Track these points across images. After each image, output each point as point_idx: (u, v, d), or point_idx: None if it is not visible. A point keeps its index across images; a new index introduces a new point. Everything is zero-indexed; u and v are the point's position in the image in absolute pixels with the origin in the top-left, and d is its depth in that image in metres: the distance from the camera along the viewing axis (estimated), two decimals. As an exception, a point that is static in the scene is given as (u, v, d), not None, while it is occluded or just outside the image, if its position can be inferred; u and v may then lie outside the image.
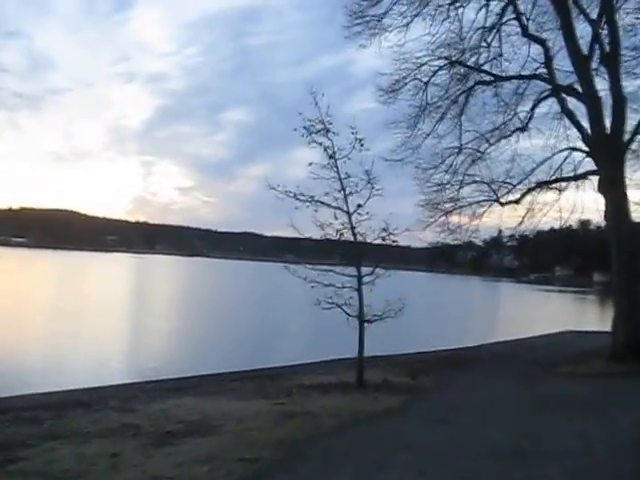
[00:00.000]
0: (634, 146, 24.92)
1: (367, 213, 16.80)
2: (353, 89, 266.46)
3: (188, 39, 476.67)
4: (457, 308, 68.76)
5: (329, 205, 16.77)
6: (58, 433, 11.01)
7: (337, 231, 16.87)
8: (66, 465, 8.70)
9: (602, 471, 8.75)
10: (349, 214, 16.83)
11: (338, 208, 16.82)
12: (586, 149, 25.14)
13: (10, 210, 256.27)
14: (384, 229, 16.73)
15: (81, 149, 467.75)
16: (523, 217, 27.40)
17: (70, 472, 8.37)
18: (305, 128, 16.57)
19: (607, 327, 28.75)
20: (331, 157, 16.60)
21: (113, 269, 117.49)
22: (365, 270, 17.10)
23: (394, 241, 17.07)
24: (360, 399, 14.95)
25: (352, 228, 16.85)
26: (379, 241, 17.20)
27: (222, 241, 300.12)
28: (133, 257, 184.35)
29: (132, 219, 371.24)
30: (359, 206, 16.76)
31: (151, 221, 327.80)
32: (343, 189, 16.72)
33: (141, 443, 10.16)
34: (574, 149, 26.07)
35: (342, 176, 16.71)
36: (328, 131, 16.55)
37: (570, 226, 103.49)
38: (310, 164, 16.77)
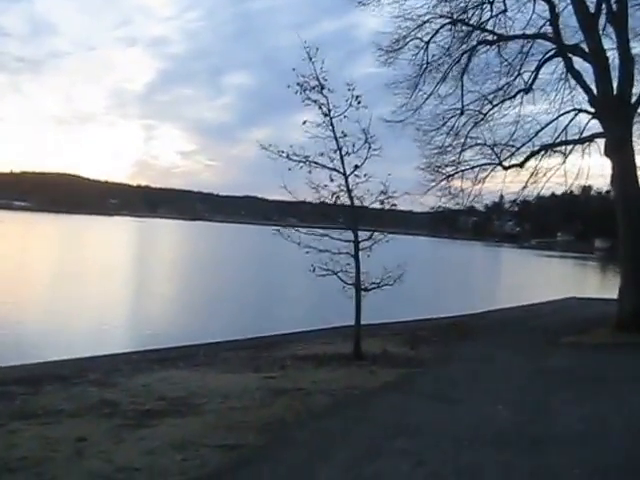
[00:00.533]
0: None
1: (365, 175, 15.81)
2: (356, 53, 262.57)
3: (189, 3, 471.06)
4: (460, 273, 68.00)
5: (324, 166, 15.76)
6: (29, 411, 10.23)
7: (333, 194, 15.90)
8: (27, 451, 7.87)
9: (616, 463, 7.88)
10: (345, 176, 15.83)
11: (334, 169, 15.84)
12: (592, 110, 24.06)
13: (12, 174, 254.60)
14: (383, 192, 15.78)
15: (83, 113, 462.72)
16: (526, 181, 26.45)
17: (28, 460, 7.52)
18: (299, 85, 15.51)
19: (609, 294, 29.08)
20: (326, 115, 15.56)
21: (113, 233, 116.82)
22: (363, 235, 16.18)
23: (393, 205, 16.12)
24: (356, 373, 14.13)
25: (349, 191, 15.86)
26: (378, 205, 16.20)
27: (224, 205, 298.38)
28: (135, 221, 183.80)
29: (134, 183, 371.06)
30: (356, 167, 15.75)
31: (153, 185, 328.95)
32: (339, 149, 15.69)
33: (115, 424, 9.34)
34: (580, 110, 24.97)
35: (338, 135, 15.69)
36: (323, 88, 15.48)
37: (572, 192, 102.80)
38: (304, 122, 15.66)
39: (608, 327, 22.56)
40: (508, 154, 26.04)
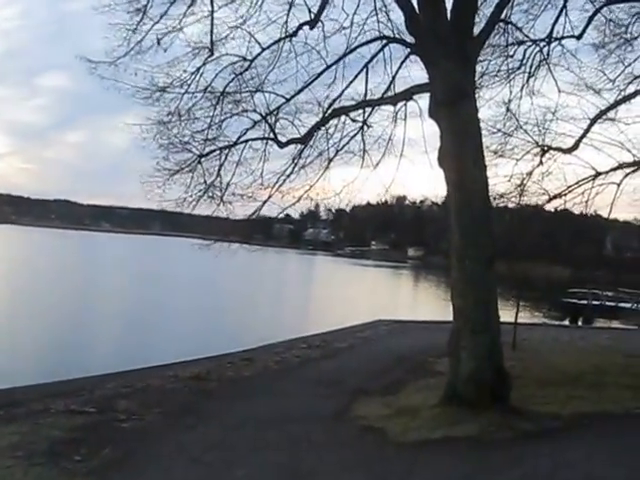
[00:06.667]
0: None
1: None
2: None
3: (3, 1, 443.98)
4: (255, 288, 58.24)
5: None
6: None
7: None
8: None
9: None
10: None
11: None
12: (411, 41, 14.87)
13: None
14: None
15: None
16: (296, 159, 17.52)
17: None
18: None
19: (425, 312, 28.03)
20: None
21: None
22: None
23: None
24: None
25: None
26: None
27: (34, 208, 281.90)
28: None
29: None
30: None
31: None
32: None
33: None
34: (391, 40, 15.74)
35: None
36: None
37: (386, 201, 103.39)
38: None
39: (428, 380, 15.90)
40: (286, 123, 16.98)
